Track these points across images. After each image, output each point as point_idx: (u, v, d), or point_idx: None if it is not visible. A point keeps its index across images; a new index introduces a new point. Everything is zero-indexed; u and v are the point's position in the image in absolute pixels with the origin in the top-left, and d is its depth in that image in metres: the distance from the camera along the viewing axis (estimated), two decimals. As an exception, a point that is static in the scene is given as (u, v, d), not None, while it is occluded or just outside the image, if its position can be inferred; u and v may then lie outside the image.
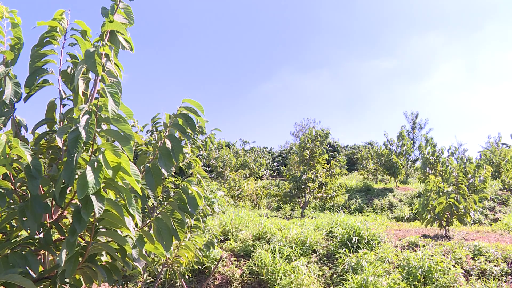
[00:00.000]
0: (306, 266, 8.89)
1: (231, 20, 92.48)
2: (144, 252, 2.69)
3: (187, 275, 8.25)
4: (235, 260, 9.42)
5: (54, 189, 2.38)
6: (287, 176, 19.09)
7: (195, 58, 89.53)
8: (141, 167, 2.88)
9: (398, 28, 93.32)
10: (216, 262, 8.88)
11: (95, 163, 2.09)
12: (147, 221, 2.85)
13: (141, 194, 2.45)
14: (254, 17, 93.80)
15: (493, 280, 7.83)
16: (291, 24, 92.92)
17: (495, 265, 8.36)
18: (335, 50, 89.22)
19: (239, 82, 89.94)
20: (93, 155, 2.31)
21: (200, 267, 8.98)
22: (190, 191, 2.92)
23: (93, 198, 2.08)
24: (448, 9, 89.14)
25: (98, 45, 2.54)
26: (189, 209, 2.86)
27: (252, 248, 9.67)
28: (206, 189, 6.11)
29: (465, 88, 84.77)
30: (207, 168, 28.40)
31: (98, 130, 2.29)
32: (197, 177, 4.85)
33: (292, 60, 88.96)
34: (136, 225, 2.56)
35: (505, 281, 7.89)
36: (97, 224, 2.40)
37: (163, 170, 2.73)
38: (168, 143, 2.83)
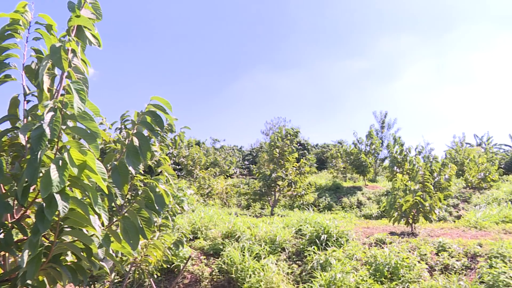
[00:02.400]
0: (276, 264, 8.92)
1: (205, 18, 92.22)
2: (111, 252, 2.64)
3: (156, 274, 8.16)
4: (204, 259, 9.38)
5: (17, 188, 2.32)
6: (257, 174, 19.12)
7: (168, 55, 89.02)
8: (108, 165, 2.83)
9: (371, 29, 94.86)
10: (185, 261, 8.82)
11: (60, 161, 2.04)
12: (114, 220, 2.80)
13: (107, 192, 2.40)
14: (229, 16, 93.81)
15: (455, 274, 8.10)
16: (266, 24, 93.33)
17: (457, 260, 8.64)
18: (309, 50, 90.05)
19: (211, 80, 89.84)
20: (58, 153, 2.25)
21: (169, 266, 8.89)
22: (157, 190, 2.89)
23: (57, 196, 2.03)
24: (419, 12, 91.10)
25: (64, 40, 2.47)
26: (157, 208, 2.83)
27: (221, 247, 9.65)
28: (174, 187, 6.05)
29: (434, 89, 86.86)
30: (177, 167, 28.18)
31: (64, 127, 2.23)
32: (166, 175, 4.80)
33: (266, 59, 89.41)
34: (102, 224, 2.51)
35: (465, 275, 8.19)
36: (62, 223, 2.34)
37: (130, 168, 2.69)
38: (136, 141, 2.79)
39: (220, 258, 9.27)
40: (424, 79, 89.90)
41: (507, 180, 27.12)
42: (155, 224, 5.54)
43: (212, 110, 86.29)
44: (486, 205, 17.76)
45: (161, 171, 5.33)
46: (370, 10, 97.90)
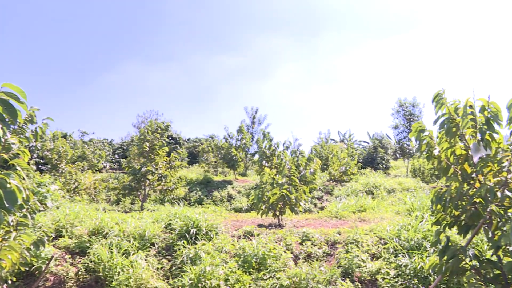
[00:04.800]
0: (145, 260, 8.80)
1: (71, 4, 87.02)
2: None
3: (11, 279, 7.53)
4: (69, 258, 8.91)
5: None
6: (127, 168, 18.60)
7: (31, 43, 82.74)
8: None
9: (245, 27, 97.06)
10: (47, 262, 8.31)
11: None
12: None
13: None
14: (98, 4, 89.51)
15: (317, 261, 8.73)
16: (137, 16, 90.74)
17: (319, 248, 9.32)
18: (183, 43, 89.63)
19: (79, 71, 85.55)
20: None
21: (28, 268, 8.28)
22: (8, 185, 2.69)
23: None
24: (290, 15, 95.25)
25: None
26: (7, 205, 2.63)
27: (88, 244, 9.23)
28: (30, 182, 5.68)
29: (303, 88, 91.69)
30: (41, 161, 26.45)
31: None
32: (24, 169, 4.49)
33: (139, 51, 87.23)
34: None
35: (326, 261, 8.93)
36: None
37: (-23, 164, 2.48)
38: (-15, 134, 2.58)
39: (86, 257, 8.87)
40: (294, 79, 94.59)
41: (364, 173, 29.57)
42: (12, 223, 5.17)
43: (81, 101, 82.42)
44: (346, 197, 19.22)
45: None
46: (246, 8, 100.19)
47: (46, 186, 11.28)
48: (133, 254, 8.88)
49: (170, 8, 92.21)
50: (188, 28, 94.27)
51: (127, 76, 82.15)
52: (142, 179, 17.69)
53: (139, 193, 18.40)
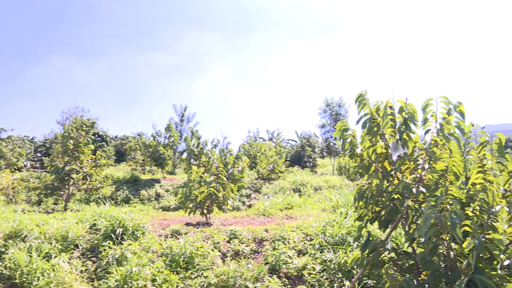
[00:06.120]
0: (68, 263, 8.40)
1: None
2: None
3: None
4: (-21, 266, 8.30)
5: None
6: (49, 167, 17.78)
7: None
8: None
9: (175, 24, 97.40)
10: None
11: None
12: None
13: None
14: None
15: (244, 258, 8.74)
16: (65, 9, 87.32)
17: (246, 246, 9.37)
18: (111, 40, 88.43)
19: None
20: None
21: None
22: None
23: None
24: (222, 14, 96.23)
25: None
26: None
27: (3, 249, 8.66)
28: None
29: (233, 87, 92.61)
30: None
31: None
32: None
33: (65, 46, 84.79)
34: None
35: (253, 258, 8.97)
36: None
37: None
38: None
39: (1, 263, 8.31)
40: (225, 77, 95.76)
41: (291, 172, 30.14)
42: None
43: (0, 97, 78.09)
44: (273, 194, 19.46)
45: None
46: (176, 5, 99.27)
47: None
48: (55, 257, 8.44)
49: (99, 3, 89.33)
50: (117, 24, 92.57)
51: (53, 71, 79.62)
52: (66, 178, 16.98)
53: (62, 192, 17.64)
